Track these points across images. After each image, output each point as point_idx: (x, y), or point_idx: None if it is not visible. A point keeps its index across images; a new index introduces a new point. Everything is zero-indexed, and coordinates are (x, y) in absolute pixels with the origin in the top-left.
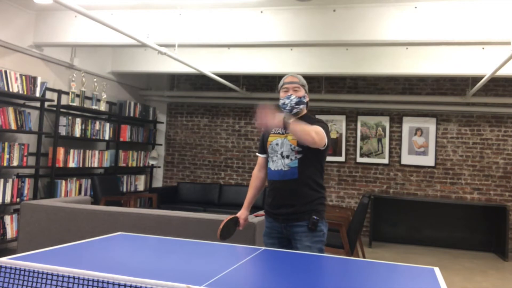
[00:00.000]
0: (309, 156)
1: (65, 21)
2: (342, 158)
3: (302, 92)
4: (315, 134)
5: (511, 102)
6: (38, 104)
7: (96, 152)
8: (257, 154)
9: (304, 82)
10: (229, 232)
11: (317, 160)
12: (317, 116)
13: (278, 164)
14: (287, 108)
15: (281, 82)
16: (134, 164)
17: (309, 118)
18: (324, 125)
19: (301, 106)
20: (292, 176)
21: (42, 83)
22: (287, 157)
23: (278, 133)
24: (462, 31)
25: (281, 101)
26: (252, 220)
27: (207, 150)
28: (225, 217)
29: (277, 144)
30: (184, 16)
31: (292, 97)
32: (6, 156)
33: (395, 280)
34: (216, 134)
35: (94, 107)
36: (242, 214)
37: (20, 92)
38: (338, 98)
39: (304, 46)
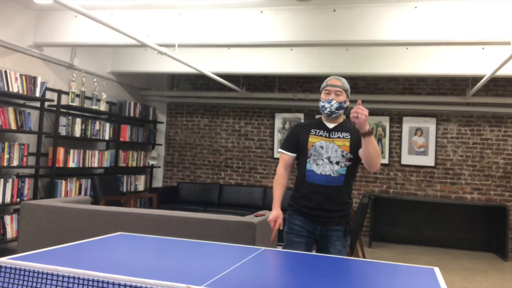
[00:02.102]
0: (355, 165)
1: (65, 21)
2: None
3: (343, 97)
4: (380, 159)
5: (511, 102)
6: (38, 104)
7: (96, 152)
8: (281, 150)
9: (347, 86)
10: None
11: (357, 169)
12: (317, 117)
13: (326, 169)
14: (326, 112)
15: (324, 83)
16: (134, 164)
17: (351, 125)
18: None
19: (340, 111)
20: (339, 183)
21: (42, 83)
22: (337, 163)
23: (320, 135)
24: (462, 31)
25: (321, 104)
26: (252, 220)
27: (207, 150)
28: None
29: (321, 147)
30: (184, 16)
31: (333, 101)
32: (6, 156)
33: (395, 280)
34: (216, 134)
35: (94, 107)
36: (279, 213)
37: (20, 92)
38: None
39: (304, 46)
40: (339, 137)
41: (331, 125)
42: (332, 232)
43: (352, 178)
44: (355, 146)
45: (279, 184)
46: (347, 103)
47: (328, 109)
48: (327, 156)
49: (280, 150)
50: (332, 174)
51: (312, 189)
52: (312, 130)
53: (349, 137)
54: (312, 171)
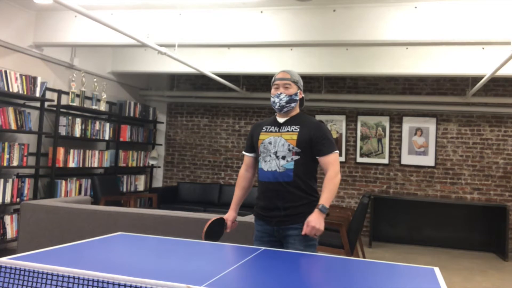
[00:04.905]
0: (306, 158)
1: (65, 21)
2: (342, 158)
3: (294, 89)
4: (338, 182)
5: (511, 102)
6: (38, 104)
7: (96, 152)
8: (243, 152)
9: (297, 78)
10: (216, 234)
11: (313, 162)
12: (317, 116)
13: (272, 165)
14: (277, 107)
15: (273, 78)
16: (134, 164)
17: (304, 117)
18: (329, 135)
19: (293, 105)
20: (287, 178)
21: (42, 83)
22: (283, 158)
23: (270, 131)
24: (462, 31)
25: (271, 99)
26: (252, 220)
27: (207, 150)
28: (213, 218)
29: (269, 143)
30: (184, 16)
31: (282, 95)
32: (6, 156)
33: (395, 280)
34: (216, 134)
35: (94, 107)
36: (229, 215)
37: (20, 92)
38: (338, 98)
39: (304, 46)
40: (288, 131)
41: (282, 120)
42: (289, 232)
43: (306, 172)
44: (304, 139)
45: (239, 186)
46: (300, 95)
47: (278, 104)
48: (274, 151)
49: (243, 152)
50: (278, 170)
51: (262, 187)
52: (263, 127)
53: (297, 130)
54: (261, 168)
